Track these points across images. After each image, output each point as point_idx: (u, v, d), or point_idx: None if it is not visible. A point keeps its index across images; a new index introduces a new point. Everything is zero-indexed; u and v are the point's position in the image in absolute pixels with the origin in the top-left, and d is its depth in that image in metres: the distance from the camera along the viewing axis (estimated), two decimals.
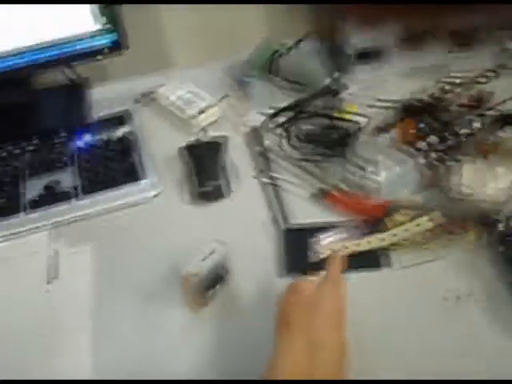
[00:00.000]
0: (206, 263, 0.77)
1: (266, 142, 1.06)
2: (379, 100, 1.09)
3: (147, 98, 1.20)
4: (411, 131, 1.00)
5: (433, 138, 0.98)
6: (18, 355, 0.79)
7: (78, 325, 0.82)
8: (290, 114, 1.05)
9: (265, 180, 0.99)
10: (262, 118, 1.09)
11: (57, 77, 1.25)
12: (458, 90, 1.09)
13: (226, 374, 0.74)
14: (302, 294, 0.66)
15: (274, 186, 0.99)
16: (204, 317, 0.81)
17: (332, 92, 1.06)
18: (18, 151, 1.09)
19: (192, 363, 0.76)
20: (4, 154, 1.08)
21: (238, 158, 1.04)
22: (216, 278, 0.80)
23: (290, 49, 1.17)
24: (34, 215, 0.97)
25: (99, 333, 0.81)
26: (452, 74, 1.13)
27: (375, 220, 0.88)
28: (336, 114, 1.03)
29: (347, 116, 1.02)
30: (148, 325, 0.81)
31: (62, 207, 0.98)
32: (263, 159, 1.04)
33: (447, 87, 1.10)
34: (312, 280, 0.69)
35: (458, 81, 1.11)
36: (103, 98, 1.22)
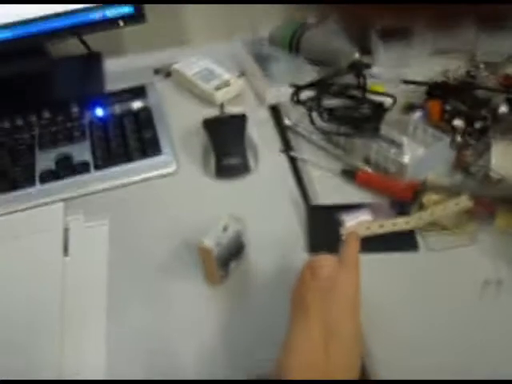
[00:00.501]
0: (225, 236, 0.75)
1: (289, 119, 1.03)
2: (404, 81, 1.04)
3: (164, 72, 1.16)
4: (437, 113, 0.97)
5: (459, 121, 0.95)
6: (31, 328, 0.77)
7: (93, 298, 0.79)
8: (314, 91, 1.00)
9: (292, 154, 0.97)
10: (283, 95, 1.06)
11: (73, 48, 1.22)
12: (486, 72, 1.06)
13: (241, 351, 0.72)
14: (319, 277, 0.64)
15: (297, 162, 0.97)
16: (222, 292, 0.78)
17: (357, 71, 1.01)
18: (33, 119, 1.05)
19: (207, 339, 0.74)
20: (19, 123, 1.05)
21: (260, 134, 1.01)
22: (233, 253, 0.78)
23: (312, 27, 1.13)
24: (48, 187, 0.94)
25: (113, 307, 0.78)
26: (479, 57, 1.11)
27: (403, 202, 0.85)
28: (361, 94, 0.98)
29: (372, 95, 0.98)
30: (164, 299, 0.78)
31: (77, 180, 0.95)
32: (287, 136, 1.01)
33: (474, 69, 1.07)
34: (330, 260, 0.66)
35: (485, 63, 1.09)
36: (118, 71, 1.20)
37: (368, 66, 1.05)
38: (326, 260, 0.66)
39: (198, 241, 0.74)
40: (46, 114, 1.07)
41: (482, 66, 1.09)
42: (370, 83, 1.03)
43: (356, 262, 0.67)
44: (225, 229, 0.75)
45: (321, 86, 1.00)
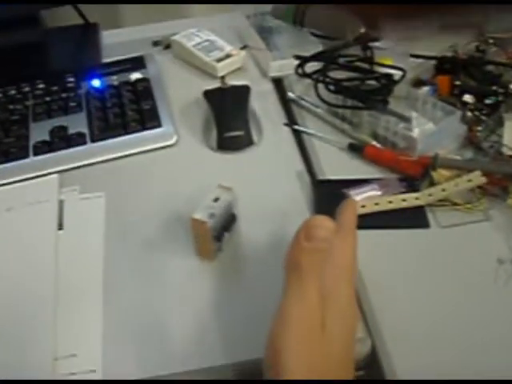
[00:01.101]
0: (217, 207, 0.72)
1: (294, 92, 1.00)
2: (412, 55, 1.01)
3: (163, 44, 1.12)
4: (446, 88, 0.94)
5: (469, 96, 0.92)
6: (23, 305, 0.73)
7: (89, 274, 0.76)
8: (320, 63, 0.97)
9: (296, 128, 0.93)
10: (286, 68, 1.03)
11: (70, 19, 1.18)
12: (495, 48, 1.03)
13: (239, 327, 0.69)
14: (314, 238, 0.60)
15: (301, 136, 0.94)
16: (219, 266, 0.75)
17: (364, 43, 0.98)
18: (27, 90, 1.01)
19: (204, 316, 0.71)
20: (13, 92, 1.01)
21: (263, 107, 0.98)
22: (226, 225, 0.75)
23: None
24: (42, 159, 0.91)
25: (109, 283, 0.75)
26: (488, 33, 1.07)
27: (412, 178, 0.83)
28: (369, 66, 0.95)
29: (381, 68, 0.94)
30: (161, 274, 0.75)
31: (73, 152, 0.92)
32: (291, 109, 0.98)
33: (484, 44, 1.04)
34: (326, 221, 0.62)
35: (494, 39, 1.06)
36: (116, 43, 1.17)
37: (376, 39, 1.01)
38: (322, 221, 0.62)
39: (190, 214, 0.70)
40: (41, 85, 1.03)
41: (491, 41, 1.05)
42: (377, 57, 0.99)
43: (353, 228, 0.63)
44: (216, 200, 0.72)
45: (327, 58, 0.96)
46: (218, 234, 0.73)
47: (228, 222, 0.75)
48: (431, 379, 0.62)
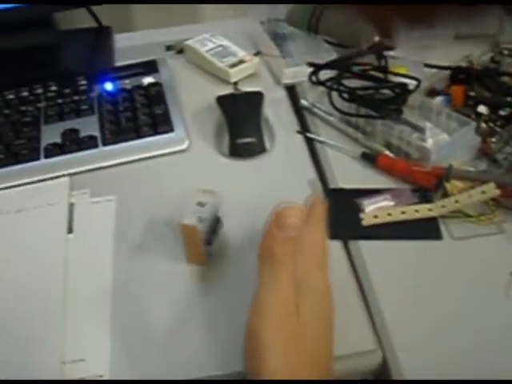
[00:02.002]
0: (204, 211, 0.71)
1: (307, 100, 0.99)
2: (427, 65, 1.00)
3: (176, 48, 1.12)
4: (461, 99, 0.94)
5: (482, 108, 0.91)
6: (32, 308, 0.73)
7: (98, 278, 0.76)
8: (334, 71, 0.96)
9: (309, 136, 0.93)
10: (300, 75, 1.03)
11: (83, 22, 1.19)
12: (510, 59, 1.03)
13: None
14: (285, 227, 0.61)
15: (314, 144, 0.94)
16: (223, 270, 0.75)
17: (378, 51, 0.97)
18: (39, 92, 1.01)
19: (209, 321, 0.70)
20: (25, 94, 1.01)
21: (275, 114, 0.97)
22: (214, 228, 0.74)
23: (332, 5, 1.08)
24: (53, 161, 0.90)
25: (119, 288, 0.74)
26: (503, 44, 1.07)
27: (425, 189, 0.82)
28: (383, 75, 0.94)
29: (395, 77, 0.93)
30: (172, 280, 0.75)
31: (84, 155, 0.91)
32: (304, 116, 0.98)
33: (498, 55, 1.04)
34: (296, 209, 0.63)
35: (509, 49, 1.05)
36: (128, 47, 1.16)
37: (390, 48, 1.01)
38: (292, 210, 0.63)
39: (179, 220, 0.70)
40: (53, 87, 1.03)
41: (506, 52, 1.05)
42: (392, 66, 0.98)
43: (322, 219, 0.65)
44: (200, 204, 0.71)
45: (341, 66, 0.96)
46: (208, 237, 0.73)
47: (216, 225, 0.74)
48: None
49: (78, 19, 1.18)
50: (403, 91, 0.89)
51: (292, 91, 1.04)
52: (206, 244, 0.73)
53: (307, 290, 0.59)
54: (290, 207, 0.63)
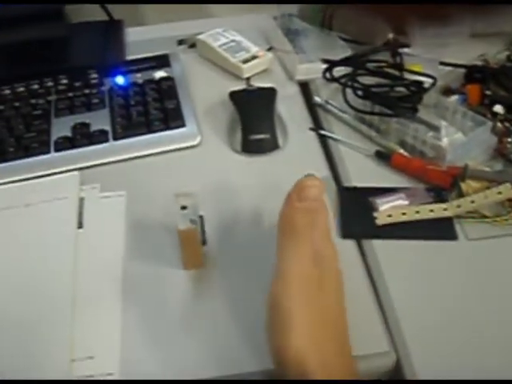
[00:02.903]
0: (190, 214, 0.69)
1: (320, 96, 0.98)
2: (442, 63, 0.99)
3: (188, 43, 1.11)
4: (476, 98, 0.92)
5: (499, 107, 0.91)
6: (42, 300, 0.72)
7: (108, 275, 0.75)
8: (348, 67, 0.95)
9: (322, 133, 0.91)
10: (313, 72, 1.01)
11: (93, 15, 1.17)
12: None
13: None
14: (306, 197, 0.62)
15: (327, 141, 0.92)
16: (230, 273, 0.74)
17: (393, 49, 0.96)
18: (49, 85, 1.00)
19: (220, 318, 0.69)
20: (36, 87, 1.00)
21: (288, 110, 0.96)
22: (203, 229, 0.73)
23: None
24: (63, 155, 0.90)
25: (129, 285, 0.73)
26: None
27: (440, 188, 0.81)
28: (398, 72, 0.93)
29: (410, 75, 0.92)
30: (178, 276, 0.74)
31: (95, 149, 0.90)
32: (317, 113, 0.97)
33: None
34: (316, 180, 0.64)
35: None
36: (139, 40, 1.15)
37: (406, 45, 0.99)
38: (313, 180, 0.63)
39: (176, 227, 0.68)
40: (64, 80, 1.02)
41: None
42: (407, 63, 0.97)
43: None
44: (184, 207, 0.69)
45: (356, 63, 0.94)
46: (203, 238, 0.72)
47: (203, 224, 0.73)
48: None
49: (89, 12, 1.17)
50: (419, 89, 0.88)
51: (305, 87, 1.02)
52: (202, 244, 0.72)
53: (324, 261, 0.60)
54: (312, 177, 0.63)
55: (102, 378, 0.64)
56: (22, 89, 1.00)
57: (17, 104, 0.97)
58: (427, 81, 0.91)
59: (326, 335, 0.56)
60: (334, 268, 0.61)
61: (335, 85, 0.97)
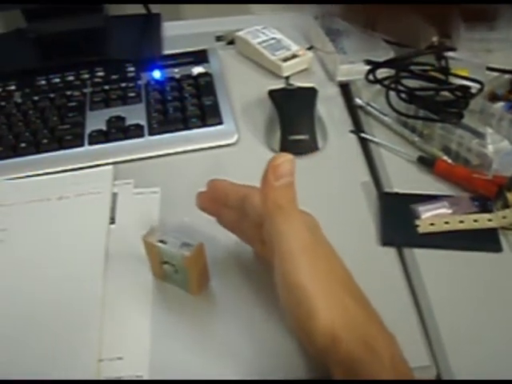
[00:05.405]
0: (182, 238, 0.67)
1: (361, 98, 0.95)
2: (488, 68, 0.96)
3: (226, 39, 1.09)
4: None
5: None
6: (72, 296, 0.70)
7: (139, 273, 0.73)
8: (392, 70, 0.92)
9: (363, 136, 0.89)
10: (355, 73, 0.99)
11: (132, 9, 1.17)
12: None
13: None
14: (284, 175, 0.60)
15: (368, 145, 0.90)
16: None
17: (438, 52, 0.93)
18: (85, 77, 0.98)
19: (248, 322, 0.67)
20: (71, 78, 0.99)
21: (328, 112, 0.94)
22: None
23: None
24: (97, 149, 0.88)
25: (159, 284, 0.72)
26: None
27: (485, 198, 0.78)
28: (444, 76, 0.90)
29: (456, 80, 0.89)
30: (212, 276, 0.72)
31: (130, 144, 0.89)
32: (357, 115, 0.94)
33: None
34: (287, 156, 0.60)
35: None
36: (176, 35, 1.14)
37: (452, 49, 0.96)
38: (283, 156, 0.61)
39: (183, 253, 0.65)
40: (100, 73, 1.01)
41: None
42: (452, 67, 0.94)
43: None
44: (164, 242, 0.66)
45: (400, 65, 0.92)
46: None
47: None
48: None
49: (128, 5, 1.15)
50: (465, 94, 0.85)
51: (345, 89, 0.99)
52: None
53: (316, 229, 0.62)
54: (281, 154, 0.61)
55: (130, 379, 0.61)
56: (57, 80, 0.99)
57: (52, 95, 0.96)
58: (474, 86, 0.87)
59: (343, 296, 0.57)
60: (320, 232, 0.63)
61: (377, 87, 0.94)
